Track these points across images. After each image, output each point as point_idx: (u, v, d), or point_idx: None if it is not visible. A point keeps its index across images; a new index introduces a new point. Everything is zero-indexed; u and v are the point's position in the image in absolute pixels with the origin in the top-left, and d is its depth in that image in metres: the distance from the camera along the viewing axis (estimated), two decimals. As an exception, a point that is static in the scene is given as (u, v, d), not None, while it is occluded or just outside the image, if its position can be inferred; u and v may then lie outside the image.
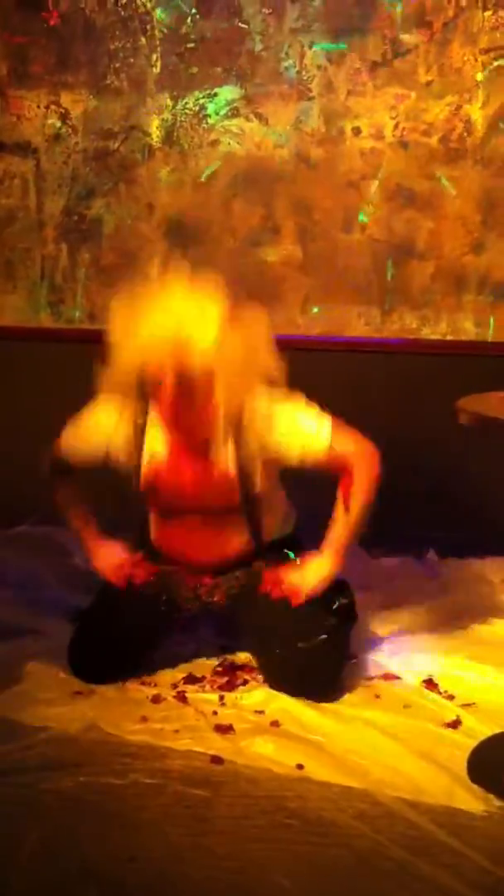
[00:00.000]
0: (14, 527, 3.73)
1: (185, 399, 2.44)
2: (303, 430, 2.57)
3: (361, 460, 2.59)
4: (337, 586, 2.69)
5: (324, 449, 2.57)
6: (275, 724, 2.52)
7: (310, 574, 2.63)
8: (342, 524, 2.61)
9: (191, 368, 2.39)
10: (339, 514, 2.61)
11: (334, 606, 2.66)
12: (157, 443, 2.62)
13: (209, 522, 2.65)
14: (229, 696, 2.64)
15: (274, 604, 2.63)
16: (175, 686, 2.69)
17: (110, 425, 2.64)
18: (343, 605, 2.68)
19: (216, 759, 2.34)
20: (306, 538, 2.77)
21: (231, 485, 2.59)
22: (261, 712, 2.56)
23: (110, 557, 2.75)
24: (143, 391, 2.49)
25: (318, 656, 2.60)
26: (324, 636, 2.61)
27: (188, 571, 2.72)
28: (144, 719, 2.51)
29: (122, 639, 2.68)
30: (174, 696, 2.64)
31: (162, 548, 2.75)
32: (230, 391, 2.48)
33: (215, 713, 2.55)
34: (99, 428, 2.67)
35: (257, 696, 2.64)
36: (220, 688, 2.68)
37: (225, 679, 2.73)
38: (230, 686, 2.69)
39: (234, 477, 2.58)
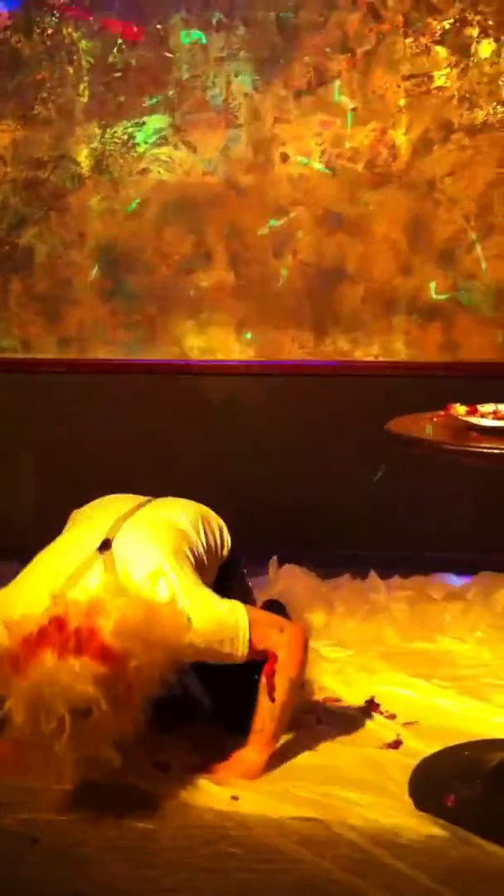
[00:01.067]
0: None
1: None
2: (222, 647, 2.36)
3: (284, 648, 2.41)
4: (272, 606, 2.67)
5: (244, 655, 2.37)
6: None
7: (238, 770, 2.40)
8: (268, 714, 2.41)
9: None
10: (263, 703, 2.41)
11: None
12: None
13: None
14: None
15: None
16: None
17: None
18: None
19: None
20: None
21: None
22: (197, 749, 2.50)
23: None
24: None
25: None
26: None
27: None
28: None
29: None
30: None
31: None
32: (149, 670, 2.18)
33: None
34: None
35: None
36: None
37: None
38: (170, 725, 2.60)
39: None
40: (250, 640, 2.36)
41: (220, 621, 2.34)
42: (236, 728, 2.49)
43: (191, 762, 2.43)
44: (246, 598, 2.64)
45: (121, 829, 2.18)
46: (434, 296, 3.69)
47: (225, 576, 2.66)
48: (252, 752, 2.42)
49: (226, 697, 2.58)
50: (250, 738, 2.43)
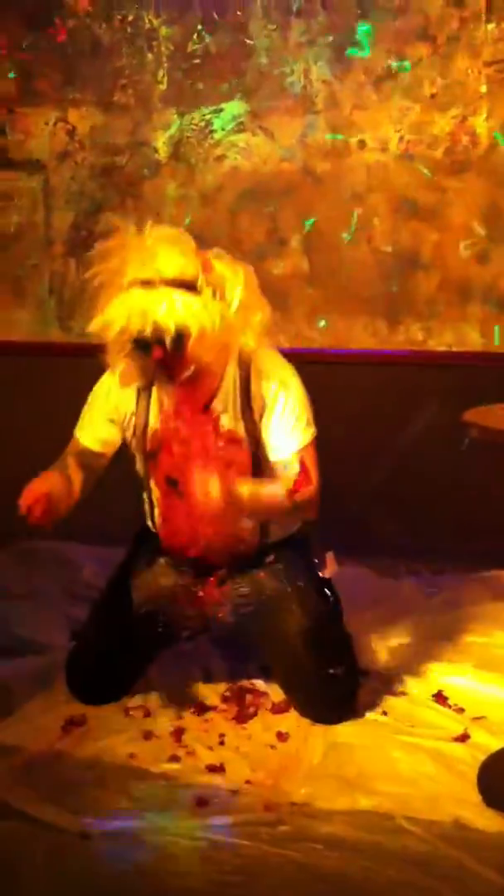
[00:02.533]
0: (22, 540, 3.73)
1: (171, 358, 2.37)
2: (287, 426, 2.52)
3: (308, 487, 2.44)
4: (322, 584, 2.66)
5: (296, 449, 2.51)
6: (281, 739, 2.52)
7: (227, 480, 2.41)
8: (273, 494, 2.43)
9: (176, 329, 2.31)
10: (277, 489, 2.44)
11: (329, 596, 2.65)
12: (161, 404, 2.53)
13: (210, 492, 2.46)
14: (232, 731, 2.58)
15: (292, 632, 2.57)
16: (180, 717, 2.63)
17: (114, 391, 2.57)
18: (333, 597, 2.66)
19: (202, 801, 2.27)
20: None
21: (238, 442, 2.51)
22: (272, 746, 2.51)
23: (40, 481, 2.54)
24: (134, 353, 2.41)
25: (343, 680, 2.58)
26: (346, 663, 2.58)
27: (196, 571, 2.63)
28: (133, 756, 2.45)
29: (117, 660, 2.64)
30: (171, 733, 2.55)
31: (168, 531, 2.61)
32: (217, 348, 2.40)
33: (211, 748, 2.49)
34: (105, 396, 2.61)
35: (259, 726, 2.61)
36: (234, 719, 2.63)
37: (235, 709, 2.67)
38: (242, 718, 2.63)
39: (241, 434, 2.51)
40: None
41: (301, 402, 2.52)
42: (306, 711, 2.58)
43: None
44: None
45: (174, 821, 2.18)
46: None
47: None
48: (246, 488, 2.40)
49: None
50: (255, 482, 2.47)
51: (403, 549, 3.59)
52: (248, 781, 2.34)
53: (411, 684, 2.77)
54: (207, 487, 2.33)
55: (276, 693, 2.72)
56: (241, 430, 2.51)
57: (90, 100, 3.89)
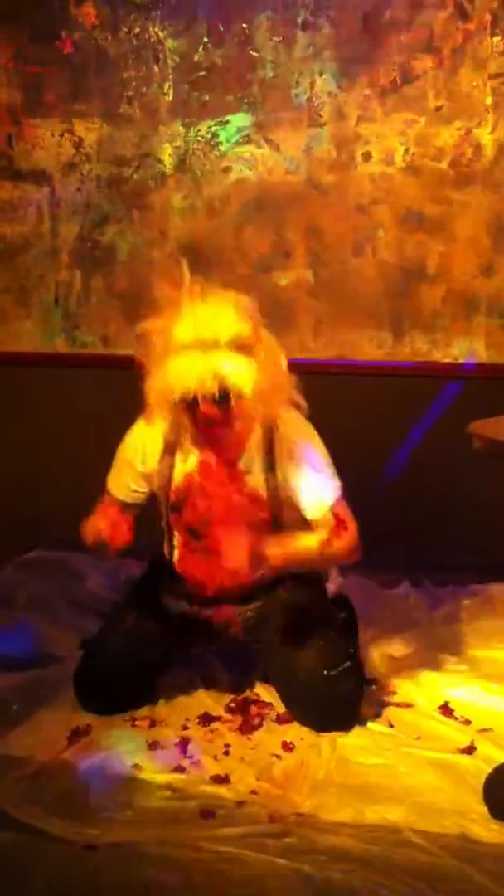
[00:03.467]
0: (28, 551, 3.73)
1: (220, 417, 2.47)
2: (317, 484, 2.61)
3: (345, 534, 2.55)
4: (339, 602, 2.71)
5: (327, 507, 2.60)
6: (286, 750, 2.52)
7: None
8: (306, 548, 2.55)
9: (228, 389, 2.42)
10: (310, 542, 2.55)
11: (340, 617, 2.72)
12: (188, 459, 2.65)
13: (231, 539, 2.56)
14: (237, 741, 2.58)
15: (293, 634, 2.62)
16: (185, 727, 2.64)
17: (143, 443, 2.70)
18: (346, 618, 2.70)
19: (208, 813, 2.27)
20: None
21: (261, 502, 2.60)
22: (277, 756, 2.51)
23: (102, 514, 2.68)
24: (178, 409, 2.52)
25: (342, 684, 2.59)
26: (347, 664, 2.60)
27: (207, 602, 2.68)
28: (137, 767, 2.44)
29: (127, 673, 2.67)
30: (176, 744, 2.55)
31: (186, 571, 2.67)
32: (263, 408, 2.51)
33: (216, 758, 2.50)
34: (134, 449, 2.72)
35: (265, 737, 2.61)
36: (240, 729, 2.63)
37: (240, 719, 2.68)
38: (247, 728, 2.64)
39: (263, 494, 2.60)
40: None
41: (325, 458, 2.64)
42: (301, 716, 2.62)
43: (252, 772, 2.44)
44: None
45: (180, 831, 2.18)
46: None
47: None
48: (276, 548, 2.53)
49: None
50: (283, 538, 2.57)
51: (407, 561, 3.58)
52: (253, 792, 2.34)
53: (417, 696, 2.77)
54: (236, 552, 2.46)
55: (280, 703, 2.72)
56: (263, 489, 2.60)
57: (96, 111, 3.90)
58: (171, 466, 2.66)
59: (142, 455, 2.70)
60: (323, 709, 2.59)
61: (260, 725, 2.65)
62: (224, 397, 2.43)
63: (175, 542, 2.72)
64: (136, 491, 2.75)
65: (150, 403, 2.54)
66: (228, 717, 2.69)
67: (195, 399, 2.44)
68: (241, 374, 2.41)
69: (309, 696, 2.60)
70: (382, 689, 2.79)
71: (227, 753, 2.52)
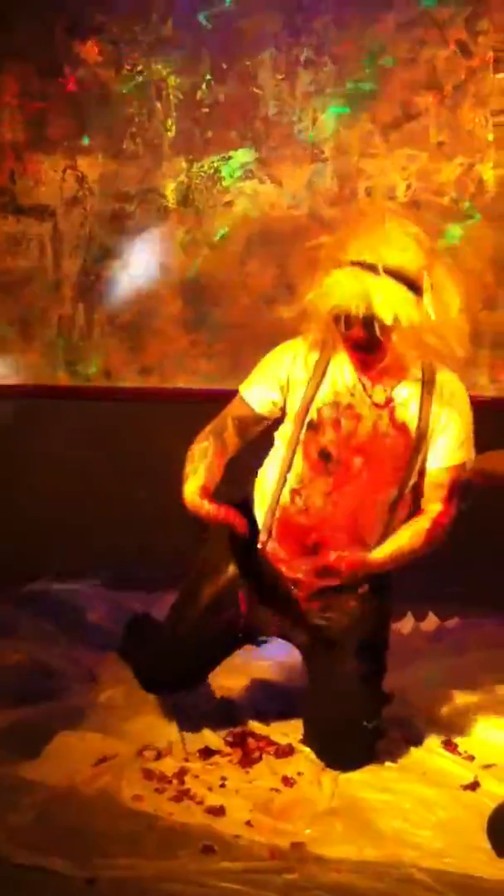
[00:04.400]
0: (29, 583, 3.71)
1: (366, 341, 2.42)
2: (461, 435, 2.56)
3: (446, 512, 2.57)
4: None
5: (454, 464, 2.56)
6: (286, 784, 2.49)
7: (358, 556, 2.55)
8: (407, 546, 2.56)
9: (375, 316, 2.36)
10: (409, 539, 2.56)
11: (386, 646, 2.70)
12: (341, 378, 2.54)
13: (359, 482, 2.53)
14: (234, 775, 2.55)
15: (353, 674, 2.58)
16: (186, 759, 2.60)
17: (295, 352, 2.59)
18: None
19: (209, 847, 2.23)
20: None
21: (407, 436, 2.53)
22: (276, 790, 2.48)
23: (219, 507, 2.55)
24: (330, 324, 2.46)
25: (372, 733, 2.58)
26: (380, 717, 2.59)
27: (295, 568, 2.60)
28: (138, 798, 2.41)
29: (195, 649, 2.66)
30: (175, 775, 2.52)
31: (293, 514, 2.57)
32: (420, 346, 2.45)
33: (210, 789, 2.46)
34: (282, 355, 2.61)
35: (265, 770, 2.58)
36: (239, 763, 2.60)
37: (240, 753, 2.65)
38: (246, 762, 2.61)
39: (412, 429, 2.53)
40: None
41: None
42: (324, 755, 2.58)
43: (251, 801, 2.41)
44: None
45: (181, 865, 2.14)
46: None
47: None
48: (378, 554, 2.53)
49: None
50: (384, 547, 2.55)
51: (409, 593, 3.56)
52: (248, 823, 2.31)
53: (420, 731, 2.74)
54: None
55: (277, 737, 2.70)
56: (413, 425, 2.53)
57: (100, 147, 3.93)
58: (318, 383, 2.54)
59: (288, 370, 2.58)
60: (349, 752, 2.57)
61: (259, 759, 2.62)
62: (370, 323, 2.37)
63: (295, 477, 2.57)
64: (272, 403, 2.60)
65: (307, 314, 2.49)
66: (228, 750, 2.66)
67: (346, 318, 2.39)
68: (392, 303, 2.34)
69: (338, 737, 2.57)
70: (387, 724, 2.75)
71: (223, 786, 2.48)
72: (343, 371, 2.54)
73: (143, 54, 3.84)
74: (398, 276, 2.36)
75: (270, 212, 3.79)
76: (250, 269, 3.84)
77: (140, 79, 3.87)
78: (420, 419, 2.53)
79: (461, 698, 2.90)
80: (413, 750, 2.66)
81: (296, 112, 3.74)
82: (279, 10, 3.69)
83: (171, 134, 3.87)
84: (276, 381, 2.60)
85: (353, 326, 2.40)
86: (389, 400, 2.53)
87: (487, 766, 2.58)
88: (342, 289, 2.37)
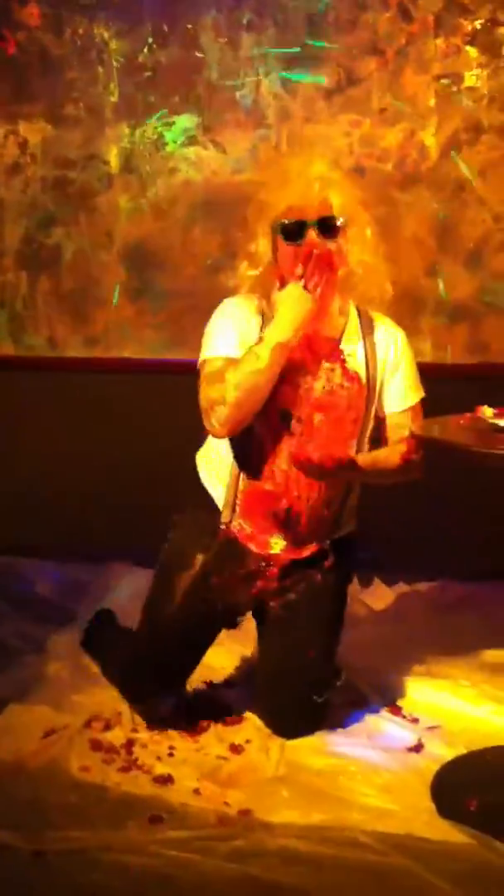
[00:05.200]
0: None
1: (324, 264, 2.38)
2: (410, 380, 2.60)
3: (414, 447, 2.54)
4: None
5: (411, 404, 2.59)
6: (234, 752, 2.52)
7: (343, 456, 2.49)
8: (384, 460, 2.54)
9: (335, 208, 2.38)
10: (388, 456, 2.55)
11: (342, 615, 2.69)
12: None
13: (321, 439, 2.47)
14: (182, 745, 2.56)
15: (299, 650, 2.57)
16: (134, 730, 2.61)
17: (242, 312, 2.50)
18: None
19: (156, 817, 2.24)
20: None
21: (361, 389, 2.51)
22: (224, 758, 2.50)
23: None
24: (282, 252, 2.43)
25: (322, 706, 2.59)
26: (332, 690, 2.61)
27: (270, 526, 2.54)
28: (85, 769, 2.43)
29: (177, 649, 2.61)
30: (123, 745, 2.53)
31: (258, 484, 2.52)
32: (367, 272, 2.48)
33: (159, 758, 2.48)
34: (234, 314, 2.50)
35: (211, 739, 2.59)
36: (187, 731, 2.61)
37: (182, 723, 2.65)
38: (194, 731, 2.61)
39: (364, 376, 2.52)
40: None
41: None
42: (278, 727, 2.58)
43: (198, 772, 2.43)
44: None
45: (129, 836, 2.16)
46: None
47: None
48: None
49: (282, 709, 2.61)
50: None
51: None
52: (196, 791, 2.33)
53: (365, 696, 2.78)
54: (332, 450, 2.40)
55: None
56: (363, 374, 2.53)
57: (41, 113, 3.87)
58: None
59: (243, 323, 2.48)
60: (299, 723, 2.58)
61: (207, 728, 2.63)
62: (332, 225, 2.38)
63: (252, 443, 2.51)
64: (246, 344, 2.45)
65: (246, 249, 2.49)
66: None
67: (299, 228, 2.37)
68: (348, 200, 2.39)
69: (289, 710, 2.58)
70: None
71: (171, 755, 2.50)
72: None
73: (85, 18, 3.78)
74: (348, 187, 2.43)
75: (214, 178, 3.76)
76: (195, 236, 3.81)
77: (81, 43, 3.80)
78: (368, 367, 2.54)
79: (405, 662, 2.94)
80: (358, 714, 2.69)
81: (239, 77, 3.70)
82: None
83: (113, 99, 3.82)
84: (239, 334, 2.47)
85: (307, 233, 2.38)
86: (339, 352, 2.52)
87: (431, 728, 2.62)
88: (297, 178, 2.38)
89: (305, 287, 2.38)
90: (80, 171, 3.87)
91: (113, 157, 3.85)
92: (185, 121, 3.77)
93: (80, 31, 3.79)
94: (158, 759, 2.47)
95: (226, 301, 2.55)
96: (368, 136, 3.63)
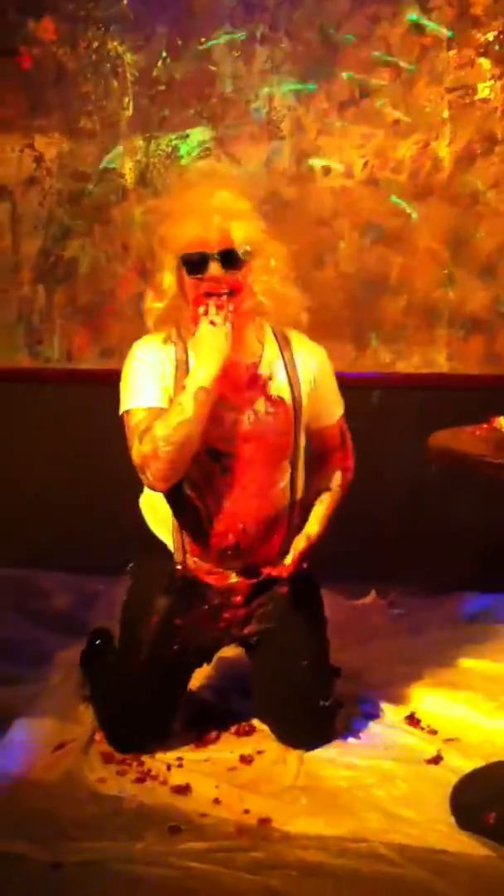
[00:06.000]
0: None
1: (231, 283, 2.35)
2: (334, 394, 2.62)
3: (349, 455, 2.65)
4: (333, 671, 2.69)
5: (339, 415, 2.63)
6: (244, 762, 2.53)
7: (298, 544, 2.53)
8: (328, 503, 2.60)
9: (236, 240, 2.34)
10: (324, 498, 2.61)
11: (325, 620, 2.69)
12: None
13: (260, 460, 2.47)
14: (191, 755, 2.55)
15: (299, 656, 2.56)
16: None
17: (156, 356, 2.45)
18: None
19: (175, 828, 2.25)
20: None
21: (286, 412, 2.50)
22: (233, 768, 2.50)
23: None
24: (187, 286, 2.38)
25: (330, 710, 2.59)
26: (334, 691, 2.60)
27: (224, 558, 2.52)
28: (102, 780, 2.44)
29: (158, 698, 2.57)
30: (132, 756, 2.54)
31: (203, 524, 2.49)
32: (275, 301, 2.43)
33: (169, 768, 2.48)
34: (150, 361, 2.45)
35: (227, 749, 2.59)
36: (194, 743, 2.61)
37: (194, 733, 2.65)
38: (202, 742, 2.62)
39: (289, 404, 2.50)
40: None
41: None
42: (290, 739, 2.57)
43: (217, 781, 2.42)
44: None
45: (147, 847, 2.16)
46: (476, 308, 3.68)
47: None
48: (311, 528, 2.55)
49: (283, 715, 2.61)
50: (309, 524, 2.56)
51: (372, 572, 3.59)
52: (216, 800, 2.33)
53: (384, 707, 2.77)
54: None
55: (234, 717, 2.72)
56: (287, 396, 2.51)
57: (56, 126, 3.90)
58: (184, 377, 2.38)
59: (159, 367, 2.43)
60: (310, 732, 2.58)
61: (216, 739, 2.63)
62: (234, 257, 2.33)
63: (185, 485, 2.46)
64: (165, 393, 2.42)
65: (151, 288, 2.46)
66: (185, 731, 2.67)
67: (201, 262, 2.33)
68: (251, 231, 2.36)
69: (299, 721, 2.57)
70: (349, 702, 2.78)
71: (180, 766, 2.50)
72: None
73: (99, 32, 3.80)
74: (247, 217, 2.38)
75: (229, 191, 3.77)
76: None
77: (96, 57, 3.83)
78: (292, 388, 2.52)
79: (422, 674, 2.94)
80: (376, 726, 2.69)
81: (252, 90, 3.72)
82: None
83: (128, 112, 3.84)
84: (157, 380, 2.43)
85: (209, 266, 2.35)
86: (259, 378, 2.49)
87: (450, 740, 2.62)
88: (196, 214, 2.35)
89: (212, 323, 2.34)
90: (95, 185, 3.89)
91: (128, 171, 3.87)
92: (200, 134, 3.79)
93: (95, 45, 3.82)
94: (169, 768, 2.47)
95: (137, 347, 2.49)
96: (382, 148, 3.64)
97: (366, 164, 3.66)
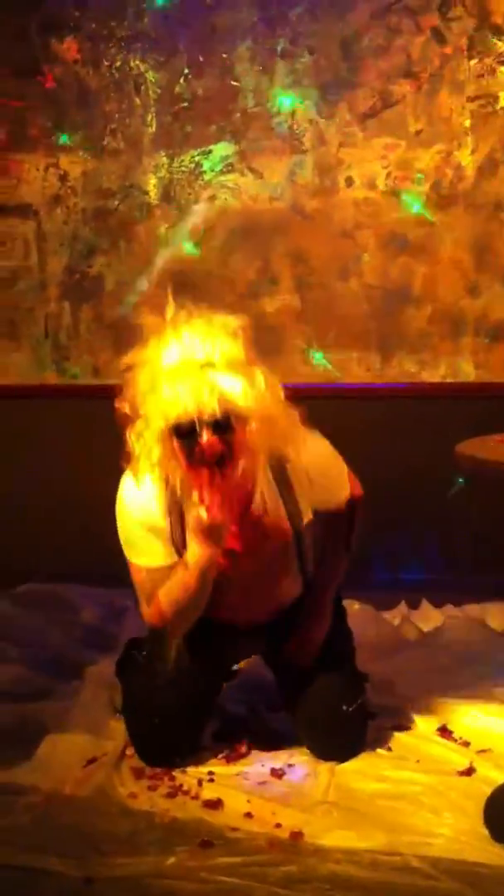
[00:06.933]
0: (20, 584, 3.72)
1: (223, 450, 2.21)
2: (333, 476, 2.53)
3: (361, 505, 2.60)
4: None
5: (346, 497, 2.55)
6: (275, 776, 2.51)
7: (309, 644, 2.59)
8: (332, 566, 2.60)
9: (227, 409, 2.17)
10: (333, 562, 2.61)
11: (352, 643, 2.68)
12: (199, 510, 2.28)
13: (262, 574, 2.48)
14: (221, 770, 2.54)
15: (311, 668, 2.58)
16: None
17: (146, 506, 2.39)
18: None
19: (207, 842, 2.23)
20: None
21: (286, 532, 2.44)
22: (263, 783, 2.48)
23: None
24: (178, 454, 2.22)
25: (356, 718, 2.58)
26: (361, 699, 2.59)
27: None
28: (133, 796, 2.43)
29: (189, 715, 2.57)
30: (163, 771, 2.52)
31: (216, 613, 2.49)
32: (269, 438, 2.27)
33: (200, 783, 2.47)
34: (144, 514, 2.40)
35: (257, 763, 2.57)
36: (226, 758, 2.59)
37: (225, 748, 2.63)
38: (234, 757, 2.60)
39: (285, 519, 2.43)
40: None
41: (333, 456, 2.53)
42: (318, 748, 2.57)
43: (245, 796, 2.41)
44: None
45: (177, 863, 2.15)
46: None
47: None
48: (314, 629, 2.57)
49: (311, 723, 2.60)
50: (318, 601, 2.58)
51: (402, 583, 3.58)
52: (247, 814, 2.32)
53: (415, 719, 2.75)
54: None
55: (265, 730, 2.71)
56: (282, 512, 2.44)
57: (80, 145, 3.93)
58: (181, 526, 2.36)
59: (155, 526, 2.39)
60: (337, 741, 2.57)
61: (247, 753, 2.62)
62: (226, 423, 2.18)
63: None
64: (171, 548, 2.39)
65: (138, 450, 2.26)
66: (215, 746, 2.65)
67: (192, 430, 2.18)
68: (242, 393, 2.16)
69: (324, 728, 2.57)
70: (381, 713, 2.76)
71: (211, 780, 2.49)
72: (193, 506, 2.28)
73: (121, 50, 3.84)
74: (233, 366, 2.19)
75: (252, 204, 3.80)
76: (234, 263, 3.84)
77: (118, 75, 3.86)
78: (287, 505, 2.44)
79: (454, 685, 2.91)
80: (408, 738, 2.67)
81: (274, 104, 3.73)
82: (254, 2, 3.70)
83: (150, 129, 3.87)
84: (155, 537, 2.39)
85: (201, 434, 2.18)
86: (251, 516, 2.40)
87: (482, 752, 2.59)
88: (186, 390, 2.15)
89: (209, 511, 2.23)
90: (119, 202, 3.92)
91: (152, 187, 3.90)
92: (223, 149, 3.81)
93: (118, 63, 3.85)
94: (200, 783, 2.47)
95: (128, 498, 2.42)
96: (404, 159, 3.64)
97: (388, 174, 3.67)
